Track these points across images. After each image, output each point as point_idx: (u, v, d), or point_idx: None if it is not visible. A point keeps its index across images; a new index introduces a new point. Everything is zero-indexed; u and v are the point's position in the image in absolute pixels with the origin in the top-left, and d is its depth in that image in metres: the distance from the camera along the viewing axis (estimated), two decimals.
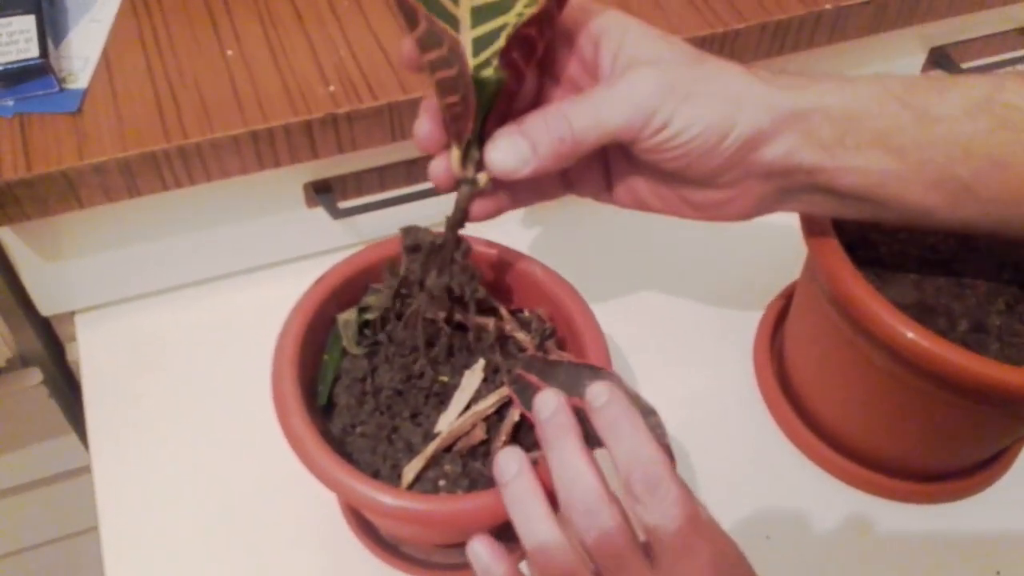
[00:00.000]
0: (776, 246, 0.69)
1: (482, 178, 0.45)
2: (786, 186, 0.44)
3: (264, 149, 0.56)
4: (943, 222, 0.44)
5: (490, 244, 0.54)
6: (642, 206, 0.48)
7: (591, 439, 0.46)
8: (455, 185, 0.45)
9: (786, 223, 0.55)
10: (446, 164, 0.45)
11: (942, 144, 0.41)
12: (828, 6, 0.65)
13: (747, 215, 0.46)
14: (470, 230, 0.48)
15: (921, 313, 0.51)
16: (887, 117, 0.42)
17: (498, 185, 0.46)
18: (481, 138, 0.44)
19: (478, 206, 0.46)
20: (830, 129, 0.42)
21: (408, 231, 0.48)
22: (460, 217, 0.46)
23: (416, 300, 0.48)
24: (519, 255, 0.54)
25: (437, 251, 0.47)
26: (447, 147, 0.45)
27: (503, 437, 0.49)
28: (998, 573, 0.55)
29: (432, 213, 0.68)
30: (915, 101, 0.42)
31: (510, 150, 0.43)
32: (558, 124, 0.42)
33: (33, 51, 0.55)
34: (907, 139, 0.41)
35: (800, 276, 0.59)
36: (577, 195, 0.50)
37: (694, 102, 0.41)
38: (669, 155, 0.42)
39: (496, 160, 0.43)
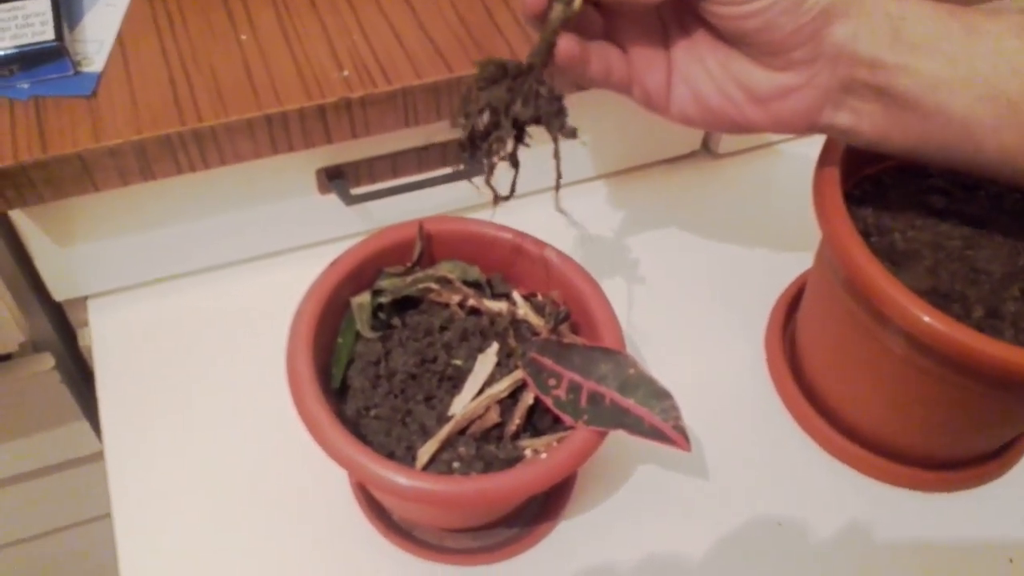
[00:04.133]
0: (789, 232, 0.69)
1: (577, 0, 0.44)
2: (848, 81, 0.45)
3: (278, 133, 0.56)
4: (982, 148, 0.44)
5: (504, 228, 0.54)
6: (699, 105, 0.48)
7: (606, 422, 0.47)
8: (547, 4, 0.44)
9: (800, 207, 0.55)
10: None
11: (989, 57, 0.43)
12: None
13: (806, 116, 0.47)
14: (481, 216, 0.47)
15: (936, 300, 0.50)
16: (937, 22, 0.44)
17: (584, 26, 0.45)
18: None
19: (564, 43, 0.45)
20: (887, 23, 0.44)
21: (487, 61, 0.44)
22: (551, 39, 0.44)
23: (502, 130, 0.45)
24: (533, 240, 0.54)
25: (524, 75, 0.44)
26: None
27: (517, 420, 0.49)
28: (1011, 560, 0.55)
29: (445, 200, 0.68)
30: (964, 16, 0.44)
31: None
32: None
33: (48, 34, 0.55)
34: (956, 47, 0.43)
35: (813, 262, 0.59)
36: (634, 97, 0.49)
37: None
38: (752, 6, 0.43)
39: None
